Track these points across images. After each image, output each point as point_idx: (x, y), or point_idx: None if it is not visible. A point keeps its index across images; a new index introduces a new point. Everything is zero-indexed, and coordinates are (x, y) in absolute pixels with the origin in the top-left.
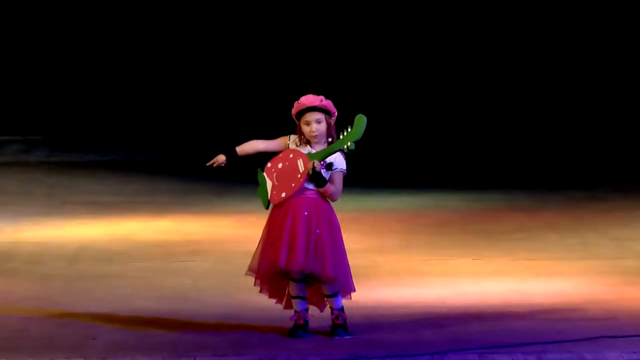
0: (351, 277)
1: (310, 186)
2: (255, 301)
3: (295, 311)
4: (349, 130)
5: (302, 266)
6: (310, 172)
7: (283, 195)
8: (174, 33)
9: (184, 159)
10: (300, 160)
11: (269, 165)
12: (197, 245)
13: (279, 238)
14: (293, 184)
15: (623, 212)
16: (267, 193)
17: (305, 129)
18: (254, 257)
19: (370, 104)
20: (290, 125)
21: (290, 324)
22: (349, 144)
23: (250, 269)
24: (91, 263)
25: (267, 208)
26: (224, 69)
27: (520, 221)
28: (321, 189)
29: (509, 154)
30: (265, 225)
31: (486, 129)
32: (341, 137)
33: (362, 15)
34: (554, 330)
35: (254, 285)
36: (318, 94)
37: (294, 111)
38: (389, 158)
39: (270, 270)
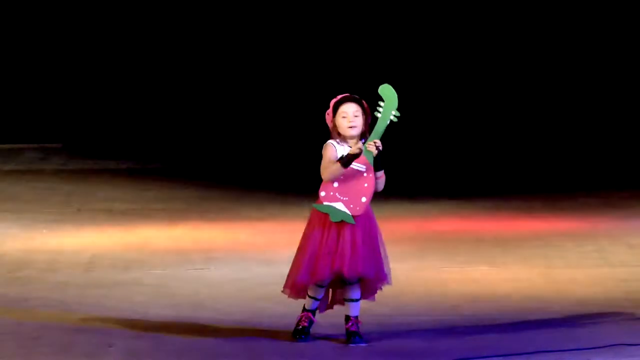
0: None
1: None
2: (271, 309)
3: (308, 310)
4: (383, 103)
5: (362, 272)
6: (376, 152)
7: (364, 200)
8: (190, 43)
9: (200, 166)
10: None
11: (322, 194)
12: (213, 253)
13: (338, 246)
14: (366, 184)
15: (639, 218)
16: (346, 213)
17: (343, 122)
18: (298, 270)
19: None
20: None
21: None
22: (393, 112)
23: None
24: (106, 270)
25: (355, 222)
26: (240, 78)
27: (535, 229)
28: (378, 173)
29: (524, 160)
30: (312, 236)
31: (502, 135)
32: (379, 115)
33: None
34: (572, 338)
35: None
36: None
37: (331, 109)
38: (404, 166)
39: (329, 278)
